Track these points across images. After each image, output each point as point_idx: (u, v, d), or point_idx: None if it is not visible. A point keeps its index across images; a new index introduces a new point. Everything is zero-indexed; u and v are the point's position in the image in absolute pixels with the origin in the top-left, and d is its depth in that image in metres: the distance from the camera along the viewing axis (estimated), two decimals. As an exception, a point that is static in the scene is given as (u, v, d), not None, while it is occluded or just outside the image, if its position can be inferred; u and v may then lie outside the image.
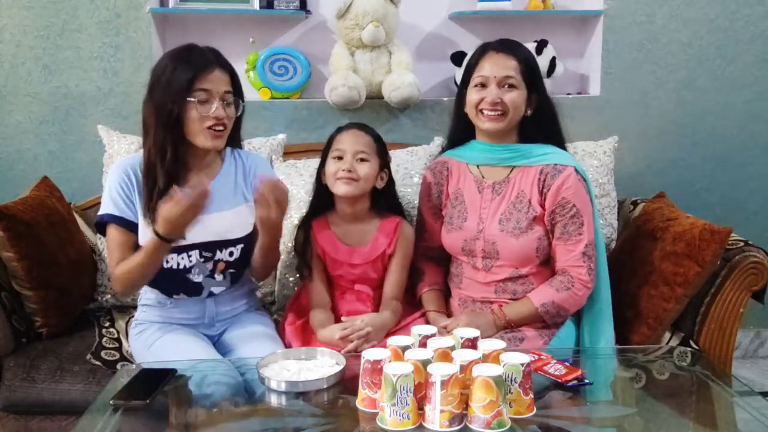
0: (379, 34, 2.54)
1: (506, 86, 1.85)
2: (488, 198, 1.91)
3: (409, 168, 2.34)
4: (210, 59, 1.78)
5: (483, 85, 1.87)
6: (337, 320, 1.95)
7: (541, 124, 1.91)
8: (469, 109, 1.90)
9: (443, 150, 2.09)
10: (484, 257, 1.90)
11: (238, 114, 1.84)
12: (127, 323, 2.19)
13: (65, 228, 2.23)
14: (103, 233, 1.86)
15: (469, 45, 2.76)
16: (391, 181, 2.05)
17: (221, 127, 1.78)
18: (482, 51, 1.91)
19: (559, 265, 1.86)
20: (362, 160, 1.93)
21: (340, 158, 1.94)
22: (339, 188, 1.94)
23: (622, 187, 2.55)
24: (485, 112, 1.86)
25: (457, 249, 1.95)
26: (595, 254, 1.86)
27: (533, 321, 1.85)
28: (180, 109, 1.73)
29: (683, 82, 2.79)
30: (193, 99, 1.73)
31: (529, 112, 1.89)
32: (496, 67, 1.86)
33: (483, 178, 1.94)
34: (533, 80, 1.88)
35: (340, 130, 2.00)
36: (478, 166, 1.96)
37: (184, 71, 1.73)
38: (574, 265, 1.83)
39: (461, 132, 1.99)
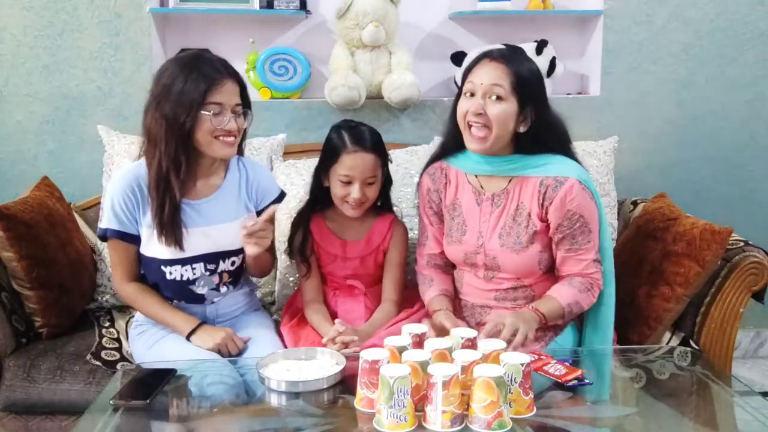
0: (379, 34, 2.53)
1: (493, 97, 1.73)
2: (487, 211, 1.85)
3: (409, 168, 2.34)
4: (222, 71, 1.74)
5: (472, 94, 1.76)
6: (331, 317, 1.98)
7: (541, 139, 1.80)
8: (459, 120, 1.80)
9: (439, 153, 1.97)
10: (486, 269, 1.86)
11: (247, 126, 1.83)
12: (127, 323, 2.19)
13: (65, 228, 2.22)
14: (105, 240, 1.88)
15: (469, 45, 2.77)
16: (388, 180, 2.05)
17: (232, 138, 1.77)
18: (479, 58, 1.80)
19: (572, 272, 1.81)
20: (370, 183, 1.94)
21: (348, 183, 1.92)
22: (347, 211, 1.96)
23: (622, 187, 2.55)
24: (471, 125, 1.76)
25: (459, 260, 1.92)
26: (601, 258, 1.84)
27: (557, 320, 1.80)
28: (193, 121, 1.71)
29: (683, 82, 2.79)
30: (207, 112, 1.71)
31: (522, 128, 1.77)
32: (485, 75, 1.74)
33: (482, 188, 1.87)
34: (526, 93, 1.74)
35: (345, 146, 1.91)
36: (476, 176, 1.88)
37: (197, 84, 1.69)
38: (589, 272, 1.79)
39: (456, 139, 1.88)
